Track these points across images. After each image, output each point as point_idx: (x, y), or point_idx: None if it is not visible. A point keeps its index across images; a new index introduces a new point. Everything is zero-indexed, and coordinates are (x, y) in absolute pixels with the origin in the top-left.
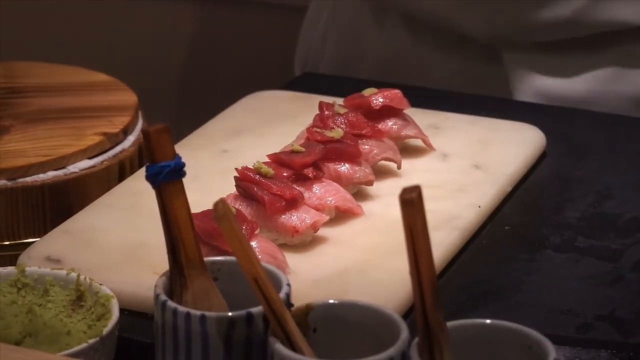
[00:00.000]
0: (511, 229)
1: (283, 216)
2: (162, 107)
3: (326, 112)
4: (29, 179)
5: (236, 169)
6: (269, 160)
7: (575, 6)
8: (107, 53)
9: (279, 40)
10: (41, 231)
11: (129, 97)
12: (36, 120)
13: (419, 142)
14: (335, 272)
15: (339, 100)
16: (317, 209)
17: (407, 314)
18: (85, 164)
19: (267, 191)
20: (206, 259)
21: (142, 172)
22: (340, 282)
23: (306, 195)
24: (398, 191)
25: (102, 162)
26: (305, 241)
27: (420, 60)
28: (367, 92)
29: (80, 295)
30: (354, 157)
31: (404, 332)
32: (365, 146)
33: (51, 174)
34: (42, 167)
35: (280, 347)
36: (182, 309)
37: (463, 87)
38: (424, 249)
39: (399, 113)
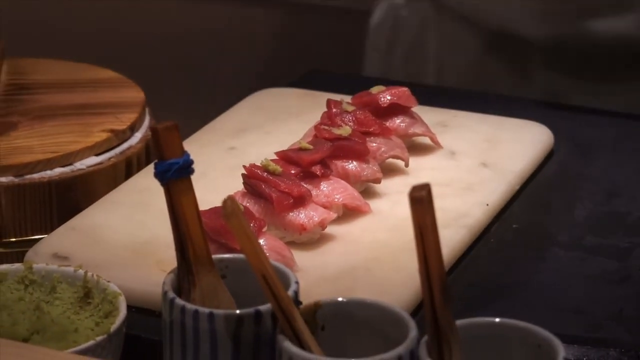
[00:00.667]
0: (519, 227)
1: (291, 214)
2: (169, 104)
3: (334, 110)
4: (36, 176)
5: (244, 166)
6: (276, 158)
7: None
8: (114, 50)
9: (287, 37)
10: (48, 228)
11: (136, 94)
12: (43, 117)
13: (426, 140)
14: (343, 270)
15: (347, 98)
16: (325, 207)
17: (415, 312)
18: (92, 160)
19: (274, 189)
20: (214, 256)
21: (149, 169)
22: (348, 280)
23: (314, 192)
24: (406, 189)
25: (109, 158)
26: (313, 239)
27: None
28: (375, 89)
29: (88, 292)
30: (361, 155)
31: (413, 331)
32: (373, 144)
33: (58, 170)
34: (49, 163)
35: (288, 345)
36: (190, 306)
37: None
38: (433, 247)
39: (407, 111)
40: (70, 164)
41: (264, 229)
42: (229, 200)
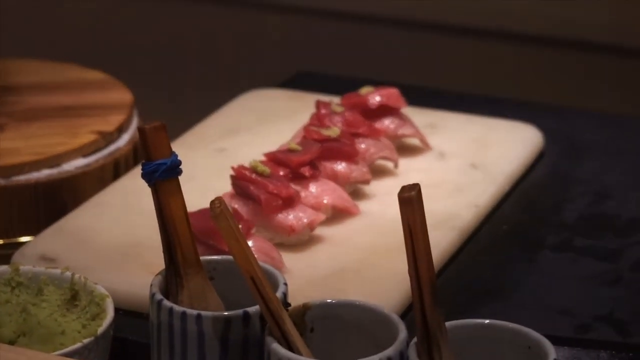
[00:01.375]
0: (509, 228)
1: (279, 215)
2: (157, 106)
3: (323, 111)
4: (22, 178)
5: (232, 168)
6: (265, 159)
7: None
8: (102, 51)
9: (276, 38)
10: (35, 230)
11: (124, 96)
12: (30, 119)
13: (416, 141)
14: (332, 272)
15: (336, 99)
16: (314, 208)
17: (405, 314)
18: (79, 162)
19: (263, 190)
20: (202, 258)
21: (137, 171)
22: (336, 282)
23: (303, 194)
24: (395, 190)
25: (97, 160)
26: (302, 240)
27: None
28: (364, 90)
29: (75, 295)
30: (350, 156)
31: (402, 332)
32: (362, 145)
33: (45, 172)
34: (36, 165)
35: (277, 347)
36: (178, 308)
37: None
38: (422, 248)
39: (396, 112)
40: (58, 166)
41: (253, 231)
42: (217, 202)
